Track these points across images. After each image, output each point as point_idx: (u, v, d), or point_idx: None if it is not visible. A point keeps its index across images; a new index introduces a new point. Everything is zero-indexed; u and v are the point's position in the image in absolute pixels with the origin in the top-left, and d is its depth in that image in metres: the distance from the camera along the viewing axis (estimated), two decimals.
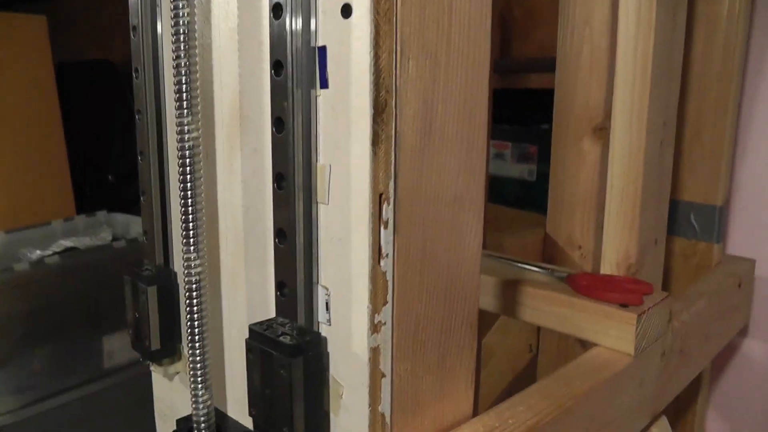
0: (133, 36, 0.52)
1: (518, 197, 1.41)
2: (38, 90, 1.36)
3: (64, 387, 1.21)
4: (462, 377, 0.48)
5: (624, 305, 0.62)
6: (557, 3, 0.93)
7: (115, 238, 1.37)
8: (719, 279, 0.84)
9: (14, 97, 1.35)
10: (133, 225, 1.39)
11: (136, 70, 0.52)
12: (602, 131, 0.92)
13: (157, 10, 0.51)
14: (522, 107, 1.39)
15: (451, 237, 0.44)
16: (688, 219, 0.92)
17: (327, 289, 0.41)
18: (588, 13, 0.89)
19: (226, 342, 0.51)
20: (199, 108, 0.46)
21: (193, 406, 0.49)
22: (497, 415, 0.49)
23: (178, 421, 0.52)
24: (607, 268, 0.72)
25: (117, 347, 1.26)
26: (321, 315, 0.42)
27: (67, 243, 1.31)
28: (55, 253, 1.26)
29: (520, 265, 0.71)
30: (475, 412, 0.50)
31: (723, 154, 0.88)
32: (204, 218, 0.47)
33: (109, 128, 1.57)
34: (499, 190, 1.43)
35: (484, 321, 1.00)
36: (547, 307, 0.65)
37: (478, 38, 0.44)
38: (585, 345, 0.97)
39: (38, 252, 1.30)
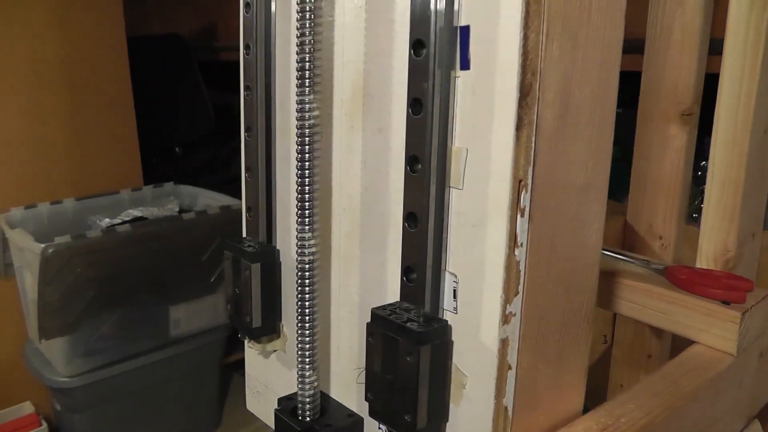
0: (246, 13, 0.51)
1: None
2: (111, 62, 1.38)
3: (131, 353, 1.24)
4: (576, 372, 0.47)
5: (726, 302, 0.60)
6: None
7: (181, 210, 1.39)
8: None
9: (88, 69, 1.37)
10: (199, 197, 1.40)
11: (248, 47, 0.51)
12: (690, 117, 0.89)
13: None
14: None
15: (577, 226, 0.43)
16: None
17: (455, 276, 0.40)
18: None
19: (333, 323, 0.50)
20: (320, 86, 0.45)
21: (299, 386, 0.48)
22: (609, 413, 0.48)
23: (280, 400, 0.52)
24: (703, 261, 0.69)
25: (183, 316, 1.28)
26: (447, 302, 0.41)
27: (135, 212, 1.33)
28: (125, 221, 1.28)
29: (614, 255, 0.69)
30: None
31: None
32: (319, 196, 0.46)
33: (177, 101, 1.59)
34: None
35: None
36: (645, 301, 0.63)
37: (615, 15, 0.42)
38: (660, 338, 0.95)
39: (107, 220, 1.32)
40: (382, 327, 0.41)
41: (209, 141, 1.58)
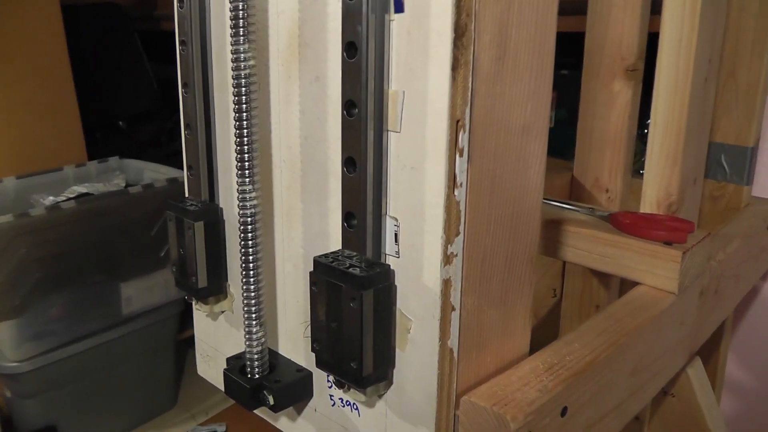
0: None
1: None
2: (46, 33, 1.32)
3: (83, 333, 1.21)
4: (521, 313, 0.47)
5: (668, 243, 0.62)
6: None
7: (128, 184, 1.35)
8: (749, 221, 0.84)
9: (22, 41, 1.30)
10: (146, 171, 1.37)
11: (181, 1, 0.50)
12: (634, 72, 0.90)
13: None
14: None
15: (519, 167, 0.43)
16: (718, 160, 0.91)
17: (396, 219, 0.40)
18: None
19: (278, 277, 0.50)
20: (255, 35, 0.44)
21: (247, 343, 0.48)
22: (555, 352, 0.49)
23: (229, 360, 0.52)
24: (647, 206, 0.71)
25: (134, 293, 1.26)
26: (389, 247, 0.41)
27: (80, 189, 1.29)
28: (70, 198, 1.24)
29: (559, 204, 0.70)
30: None
31: (758, 96, 0.86)
32: (258, 148, 0.45)
33: (118, 73, 1.53)
34: None
35: None
36: (591, 247, 0.64)
37: None
38: (608, 288, 0.98)
39: (51, 198, 1.28)
40: (325, 274, 0.41)
41: (154, 114, 1.54)
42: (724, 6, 0.72)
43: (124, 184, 1.35)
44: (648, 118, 1.00)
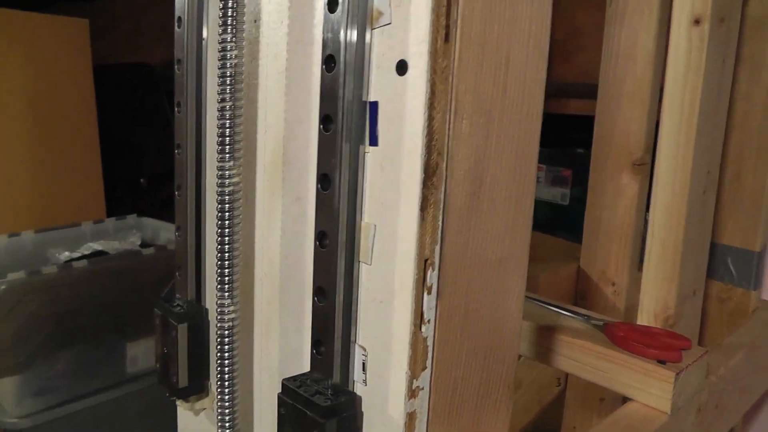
0: (178, 70, 0.51)
1: (550, 220, 1.38)
2: (76, 91, 1.37)
3: (86, 391, 1.21)
4: None
5: (662, 361, 0.60)
6: (602, 26, 0.91)
7: (143, 243, 1.37)
8: (757, 330, 0.81)
9: (52, 98, 1.36)
10: (162, 231, 1.39)
11: (179, 104, 0.51)
12: (642, 167, 0.90)
13: (204, 44, 0.50)
14: (558, 130, 1.37)
15: (494, 299, 0.42)
16: (725, 263, 0.89)
17: (364, 349, 0.40)
18: (632, 42, 0.87)
19: (256, 386, 0.50)
20: (241, 152, 0.45)
21: None
22: None
23: None
24: (644, 318, 0.69)
25: (140, 353, 1.26)
26: (357, 374, 0.41)
27: (95, 246, 1.31)
28: (84, 256, 1.27)
29: (556, 309, 0.69)
30: None
31: (763, 200, 0.85)
32: (240, 263, 0.46)
33: (143, 131, 1.58)
34: None
35: None
36: (583, 358, 0.63)
37: (533, 90, 0.42)
38: None
39: (67, 253, 1.31)
40: (292, 399, 0.40)
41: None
42: (723, 117, 0.72)
43: (139, 243, 1.37)
44: None
